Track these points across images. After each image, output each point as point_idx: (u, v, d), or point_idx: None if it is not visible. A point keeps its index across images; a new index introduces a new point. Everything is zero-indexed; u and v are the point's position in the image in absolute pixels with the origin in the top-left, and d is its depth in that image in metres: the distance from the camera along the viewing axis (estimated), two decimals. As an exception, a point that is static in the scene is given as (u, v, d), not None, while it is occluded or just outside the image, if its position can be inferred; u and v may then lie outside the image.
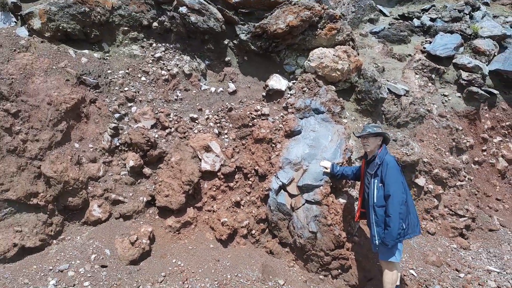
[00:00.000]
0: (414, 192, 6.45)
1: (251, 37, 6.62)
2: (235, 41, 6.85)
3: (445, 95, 7.43)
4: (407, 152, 6.23)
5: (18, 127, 5.08)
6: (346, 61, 6.48)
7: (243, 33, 6.66)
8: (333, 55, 6.44)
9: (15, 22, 6.40)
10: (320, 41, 6.69)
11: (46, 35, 6.14)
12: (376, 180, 4.69)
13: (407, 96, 7.04)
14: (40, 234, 4.98)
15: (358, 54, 7.28)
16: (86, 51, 6.37)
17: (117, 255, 5.06)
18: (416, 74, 7.58)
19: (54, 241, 5.14)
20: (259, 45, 6.62)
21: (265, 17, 6.59)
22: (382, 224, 4.49)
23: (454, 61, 7.83)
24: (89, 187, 5.41)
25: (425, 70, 7.62)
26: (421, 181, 6.43)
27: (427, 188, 6.47)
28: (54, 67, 5.81)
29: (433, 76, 7.65)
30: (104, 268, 4.84)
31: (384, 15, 9.39)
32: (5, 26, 6.26)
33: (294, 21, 6.30)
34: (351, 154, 5.94)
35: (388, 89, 7.06)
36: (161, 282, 4.87)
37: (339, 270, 5.47)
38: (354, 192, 6.09)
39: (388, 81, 7.29)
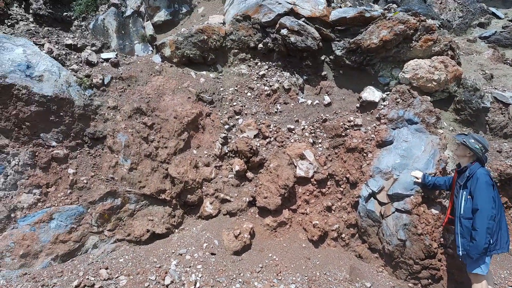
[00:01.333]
0: (521, 208, 6.05)
1: (346, 52, 7.04)
2: (331, 57, 7.35)
3: None
4: (511, 164, 5.90)
5: (153, 136, 6.45)
6: (443, 71, 6.44)
7: (339, 49, 7.12)
8: (429, 66, 6.45)
9: (151, 50, 7.99)
10: (416, 53, 6.75)
11: (174, 61, 7.54)
12: (465, 192, 4.72)
13: (517, 104, 6.59)
14: (166, 223, 6.24)
15: (459, 63, 7.06)
16: (204, 72, 7.60)
17: (223, 245, 6.01)
18: (532, 80, 7.01)
19: (176, 230, 6.36)
20: (354, 60, 7.00)
21: (360, 32, 6.95)
22: (467, 236, 4.52)
23: None
24: (203, 187, 6.53)
25: (542, 76, 7.00)
26: (529, 196, 6.00)
27: (538, 203, 6.00)
28: (179, 87, 7.13)
29: (553, 82, 6.97)
30: (213, 256, 5.81)
31: (498, 17, 8.73)
32: (145, 54, 7.88)
33: (387, 35, 6.54)
34: (446, 165, 5.91)
35: (494, 97, 6.70)
36: (258, 272, 5.64)
37: (429, 280, 5.53)
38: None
39: (496, 88, 6.90)
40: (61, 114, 5.88)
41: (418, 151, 6.01)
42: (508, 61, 7.60)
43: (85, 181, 5.87)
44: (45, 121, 5.73)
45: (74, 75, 6.30)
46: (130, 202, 6.10)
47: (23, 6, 7.30)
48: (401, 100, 6.59)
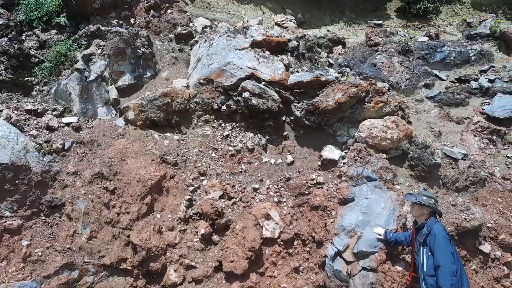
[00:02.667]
0: (480, 260, 6.26)
1: (305, 113, 7.40)
2: (291, 117, 7.68)
3: (508, 157, 7.27)
4: (466, 217, 6.18)
5: (114, 201, 6.29)
6: (395, 130, 6.88)
7: (298, 110, 7.48)
8: (382, 125, 6.90)
9: (115, 114, 8.02)
10: (369, 113, 7.22)
11: (137, 124, 7.57)
12: (425, 249, 4.88)
13: (465, 159, 7.07)
14: (127, 294, 5.90)
15: (409, 122, 7.60)
16: (168, 134, 7.66)
17: (189, 315, 5.74)
18: (475, 136, 7.58)
19: (138, 301, 6.02)
20: (313, 120, 7.35)
21: (317, 95, 7.39)
22: None
23: (515, 121, 7.73)
24: (167, 253, 6.31)
25: (484, 132, 7.60)
26: (486, 247, 6.24)
27: (494, 255, 6.24)
28: (143, 149, 7.11)
29: (494, 138, 7.57)
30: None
31: (441, 79, 9.61)
32: (108, 118, 7.89)
33: (342, 98, 6.99)
34: (405, 221, 6.12)
35: (444, 153, 7.18)
36: None
37: None
38: (412, 259, 6.15)
39: (444, 145, 7.41)
40: (17, 182, 5.66)
41: (379, 208, 6.21)
42: (454, 119, 8.26)
43: (39, 253, 5.53)
44: (-2, 190, 5.49)
45: (33, 141, 6.17)
46: (88, 274, 5.75)
47: (-18, 72, 7.24)
48: (359, 158, 6.91)
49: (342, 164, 7.01)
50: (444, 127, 8.07)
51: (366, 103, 7.18)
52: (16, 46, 7.50)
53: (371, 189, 6.48)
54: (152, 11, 10.33)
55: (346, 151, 7.21)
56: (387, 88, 7.39)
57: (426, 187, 6.88)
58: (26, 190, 5.74)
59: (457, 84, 9.35)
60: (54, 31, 8.63)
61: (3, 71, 7.24)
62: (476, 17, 12.81)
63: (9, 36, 7.59)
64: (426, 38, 11.10)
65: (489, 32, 11.12)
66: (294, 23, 11.83)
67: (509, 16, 12.83)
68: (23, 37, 8.21)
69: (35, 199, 5.81)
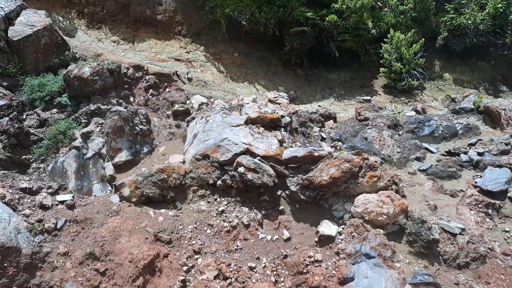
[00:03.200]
0: None
1: (300, 188, 7.46)
2: (287, 192, 7.71)
3: (506, 231, 7.24)
4: (471, 296, 5.99)
5: (104, 284, 6.03)
6: (390, 205, 6.92)
7: (293, 184, 7.55)
8: (377, 200, 6.95)
9: (110, 190, 8.00)
10: (363, 188, 7.30)
11: (132, 200, 7.52)
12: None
13: (463, 234, 7.02)
14: None
15: (404, 196, 7.66)
16: (163, 210, 7.58)
17: None
18: (471, 210, 7.61)
19: None
20: (308, 195, 7.39)
21: (311, 169, 7.51)
22: None
23: (508, 195, 7.81)
24: None
25: (480, 206, 7.65)
26: (494, 329, 5.97)
27: (504, 337, 5.95)
28: (137, 227, 6.99)
29: (490, 211, 7.61)
30: None
31: (431, 152, 9.89)
32: (103, 194, 7.86)
33: (336, 173, 7.12)
34: (408, 301, 5.90)
35: (442, 228, 7.13)
36: None
37: None
38: None
39: (441, 219, 7.39)
40: (5, 265, 5.48)
41: None
42: (448, 192, 8.34)
43: None
44: (-15, 275, 5.27)
45: (25, 221, 6.08)
46: None
47: (-20, 150, 7.34)
48: (356, 234, 6.84)
49: (339, 240, 6.91)
50: (439, 200, 8.11)
51: (360, 178, 7.30)
52: (16, 125, 7.71)
53: (370, 268, 6.32)
54: (151, 90, 10.82)
55: (343, 226, 7.15)
56: (380, 162, 7.58)
57: (427, 264, 6.73)
58: (14, 274, 5.52)
59: (448, 157, 9.60)
60: (55, 110, 8.94)
61: (1, 150, 7.36)
62: (459, 92, 13.56)
63: (10, 116, 7.84)
64: (413, 113, 11.62)
65: (473, 106, 11.71)
66: (287, 99, 12.38)
67: (490, 92, 13.62)
68: (24, 116, 8.47)
69: (23, 283, 5.58)
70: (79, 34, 11.88)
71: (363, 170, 7.36)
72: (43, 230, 6.18)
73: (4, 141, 7.51)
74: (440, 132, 10.63)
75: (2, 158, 7.34)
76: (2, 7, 9.30)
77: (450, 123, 10.88)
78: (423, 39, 13.99)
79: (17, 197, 6.50)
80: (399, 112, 11.65)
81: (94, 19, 12.44)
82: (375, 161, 7.49)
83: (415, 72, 13.81)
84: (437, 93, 13.88)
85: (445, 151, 9.83)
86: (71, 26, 11.96)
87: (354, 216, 7.17)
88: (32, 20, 9.59)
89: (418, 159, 9.69)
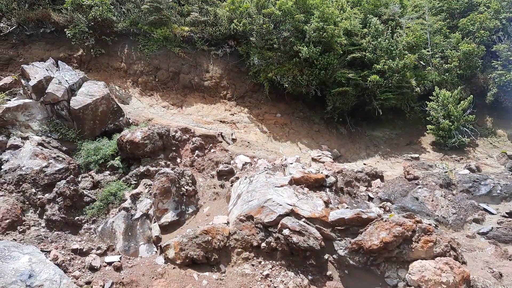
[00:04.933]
0: None
1: (349, 252, 7.10)
2: (334, 256, 7.36)
3: None
4: None
5: None
6: (450, 273, 6.35)
7: (341, 248, 7.22)
8: (434, 267, 6.42)
9: (155, 251, 8.05)
10: (418, 254, 6.82)
11: (177, 262, 7.48)
12: None
13: (538, 308, 6.24)
14: None
15: (464, 262, 7.04)
16: (207, 273, 7.45)
17: None
18: (544, 279, 6.82)
19: None
20: (358, 260, 7.00)
21: (359, 232, 7.18)
22: None
23: None
24: None
25: (554, 273, 6.85)
26: None
27: None
28: (180, 292, 6.88)
29: None
30: None
31: (490, 213, 9.19)
32: (148, 256, 7.90)
33: (387, 237, 6.74)
34: None
35: (511, 300, 6.40)
36: None
37: None
38: None
39: (509, 289, 6.67)
40: (53, 328, 5.51)
41: None
42: (513, 258, 7.60)
43: None
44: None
45: (75, 282, 6.19)
46: None
47: (38, 212, 7.78)
48: (413, 305, 6.27)
49: (394, 311, 6.36)
50: (504, 267, 7.36)
51: (414, 243, 6.86)
52: (72, 188, 8.18)
53: None
54: (197, 151, 11.20)
55: (398, 296, 6.62)
56: (434, 225, 7.10)
57: None
58: (60, 338, 5.52)
59: (510, 218, 8.85)
60: (107, 172, 9.44)
61: (57, 211, 7.77)
62: (515, 149, 12.83)
63: (67, 179, 8.36)
64: (467, 171, 11.02)
65: (532, 163, 10.96)
66: (330, 157, 12.27)
67: (550, 147, 12.75)
68: (79, 179, 9.00)
69: None
70: (133, 101, 12.82)
71: (417, 234, 6.92)
72: (91, 292, 6.24)
73: (60, 203, 7.94)
74: (498, 191, 9.93)
75: (57, 219, 7.72)
76: (67, 80, 10.33)
77: (509, 181, 10.17)
78: (471, 95, 13.67)
79: (68, 258, 6.71)
80: (451, 170, 11.09)
81: (147, 87, 13.44)
82: (429, 224, 7.03)
83: (465, 129, 13.34)
84: (491, 150, 13.20)
85: (506, 212, 9.09)
86: (126, 94, 12.96)
87: (410, 285, 6.62)
88: (92, 91, 10.52)
89: (476, 221, 9.01)
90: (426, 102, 14.12)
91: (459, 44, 14.93)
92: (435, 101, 13.79)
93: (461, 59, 14.64)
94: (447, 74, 14.66)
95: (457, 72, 14.73)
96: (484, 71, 15.23)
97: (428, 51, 15.47)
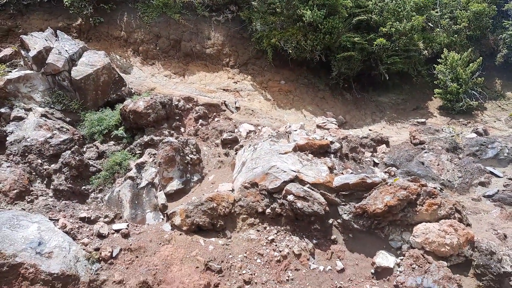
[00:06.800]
0: None
1: (353, 216, 7.15)
2: (339, 220, 7.42)
3: None
4: None
5: (157, 314, 6.05)
6: (454, 235, 6.38)
7: (345, 213, 7.26)
8: (438, 229, 6.45)
9: (162, 218, 8.17)
10: (423, 217, 6.83)
11: (183, 229, 7.61)
12: None
13: (541, 267, 6.28)
14: None
15: (469, 225, 7.06)
16: (213, 239, 7.58)
17: None
18: (548, 239, 6.84)
19: None
20: (362, 224, 7.05)
21: (364, 197, 7.19)
22: None
23: None
24: None
25: (558, 234, 6.86)
26: None
27: None
28: (187, 256, 7.03)
29: None
30: None
31: (497, 176, 9.11)
32: (155, 223, 8.03)
33: (391, 201, 6.74)
34: None
35: (514, 260, 6.45)
36: None
37: None
38: None
39: (513, 250, 6.70)
40: (64, 293, 5.69)
41: (446, 326, 5.48)
42: (518, 220, 7.60)
43: None
44: (46, 301, 5.51)
45: (84, 249, 6.35)
46: None
47: (45, 182, 7.87)
48: (416, 266, 6.35)
49: (398, 272, 6.46)
50: (509, 229, 7.38)
51: (418, 206, 6.86)
52: (77, 158, 8.23)
53: (435, 303, 5.80)
54: (200, 120, 11.13)
55: (401, 257, 6.69)
56: (439, 188, 7.07)
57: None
58: (72, 301, 5.72)
59: (516, 181, 8.80)
60: (112, 143, 9.46)
61: (64, 181, 7.86)
62: (524, 111, 12.58)
63: (72, 149, 8.40)
64: (474, 135, 10.86)
65: (541, 125, 10.77)
66: (335, 124, 12.13)
67: (561, 108, 12.47)
68: (84, 149, 9.04)
69: (80, 311, 5.75)
70: (135, 70, 12.65)
71: (422, 197, 6.91)
72: (100, 258, 6.40)
73: (66, 173, 8.02)
74: (505, 154, 9.80)
75: (64, 189, 7.82)
76: (66, 50, 10.17)
77: (516, 144, 10.03)
78: (481, 57, 13.26)
79: (77, 226, 6.84)
80: (458, 134, 10.94)
81: (148, 56, 13.22)
82: (434, 188, 7.01)
83: (474, 92, 13.05)
84: (500, 113, 12.95)
85: (513, 175, 9.03)
86: (127, 63, 12.79)
87: (414, 247, 6.69)
88: (92, 60, 10.37)
89: (482, 184, 8.96)
90: (434, 65, 13.75)
91: (469, 4, 14.30)
92: (443, 64, 13.41)
93: (471, 19, 14.08)
94: (456, 35, 14.17)
95: (467, 34, 14.22)
96: (494, 32, 14.70)
97: (436, 12, 14.91)
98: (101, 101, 10.44)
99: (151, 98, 10.00)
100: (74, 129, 9.34)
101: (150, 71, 12.90)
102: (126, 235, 7.11)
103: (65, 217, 6.87)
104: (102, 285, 6.11)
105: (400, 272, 6.44)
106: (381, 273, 6.60)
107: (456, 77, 12.96)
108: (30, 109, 9.26)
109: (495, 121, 12.49)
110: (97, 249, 6.48)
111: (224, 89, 13.01)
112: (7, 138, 8.39)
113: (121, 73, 11.43)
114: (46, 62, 9.84)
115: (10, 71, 9.91)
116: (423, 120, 12.52)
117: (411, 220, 6.92)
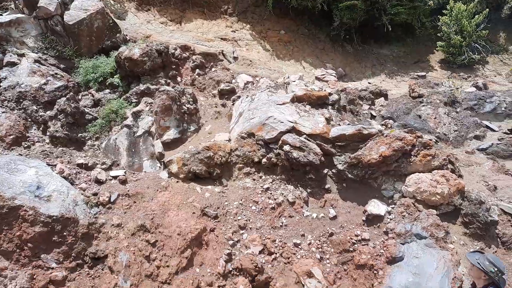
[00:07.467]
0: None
1: (348, 166, 7.24)
2: (333, 170, 7.53)
3: None
4: (533, 283, 5.55)
5: (155, 254, 6.29)
6: (445, 185, 6.52)
7: (340, 163, 7.35)
8: (431, 179, 6.57)
9: (159, 167, 8.27)
10: (416, 167, 6.93)
11: (180, 176, 7.72)
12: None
13: (527, 217, 6.49)
14: None
15: (460, 176, 7.18)
16: (209, 187, 7.72)
17: None
18: (537, 191, 7.00)
19: None
20: (356, 174, 7.16)
21: (359, 148, 7.25)
22: None
23: None
24: (205, 310, 6.12)
25: (547, 187, 7.01)
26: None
27: None
28: (184, 202, 7.19)
29: (559, 192, 6.95)
30: None
31: (492, 130, 9.14)
32: (152, 171, 8.14)
33: (386, 151, 6.81)
34: (462, 283, 5.59)
35: (501, 209, 6.64)
36: None
37: None
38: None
39: (501, 200, 6.87)
40: (65, 234, 5.87)
41: (431, 269, 5.75)
42: (509, 172, 7.72)
43: (81, 306, 5.57)
44: (47, 241, 5.70)
45: (82, 194, 6.47)
46: (126, 329, 5.67)
47: (41, 129, 7.86)
48: (407, 214, 6.54)
49: (388, 219, 6.66)
50: (499, 181, 7.53)
51: (412, 157, 6.93)
52: (72, 105, 8.15)
53: (421, 248, 6.05)
54: (197, 69, 10.93)
55: (393, 206, 6.87)
56: (434, 141, 7.13)
57: (483, 246, 6.32)
58: (73, 242, 5.91)
59: (511, 135, 8.83)
60: (107, 91, 9.33)
61: (60, 128, 7.84)
62: (526, 66, 12.38)
63: (67, 96, 8.30)
64: (473, 89, 10.78)
65: (542, 80, 10.66)
66: (335, 76, 11.99)
67: None
68: (79, 97, 8.93)
69: (80, 251, 5.96)
70: (129, 16, 12.23)
71: (416, 148, 6.97)
72: (98, 203, 6.54)
73: (62, 120, 7.98)
74: (503, 109, 9.79)
75: (60, 136, 7.82)
76: (58, -8, 9.75)
77: (515, 99, 9.98)
78: (487, 9, 12.82)
79: (74, 172, 6.91)
80: (457, 88, 10.84)
81: (143, 1, 12.71)
82: (430, 140, 7.05)
83: (477, 46, 12.76)
84: (501, 68, 12.76)
85: (508, 129, 9.03)
86: (122, 9, 12.32)
87: (405, 196, 6.85)
88: (85, 4, 9.98)
89: (477, 137, 9.02)
90: (438, 16, 13.33)
91: (477, -47, 13.65)
92: (448, 15, 13.01)
93: (479, -32, 13.50)
94: (462, -15, 13.65)
95: (474, -16, 13.70)
96: (502, -18, 14.15)
97: (444, -40, 14.24)
98: (96, 48, 10.16)
99: (147, 46, 9.74)
100: (68, 76, 9.18)
101: (146, 18, 12.47)
102: (123, 182, 7.22)
103: (62, 163, 6.93)
104: (100, 228, 6.29)
105: (391, 219, 6.64)
106: (372, 220, 6.81)
107: (461, 30, 12.62)
108: (23, 55, 9.02)
109: (495, 76, 12.34)
110: (95, 194, 6.61)
111: (222, 38, 12.66)
112: (1, 84, 8.25)
113: (116, 19, 11.03)
114: (38, 5, 9.46)
115: (1, 15, 9.55)
116: (423, 73, 12.37)
117: (404, 170, 7.03)
